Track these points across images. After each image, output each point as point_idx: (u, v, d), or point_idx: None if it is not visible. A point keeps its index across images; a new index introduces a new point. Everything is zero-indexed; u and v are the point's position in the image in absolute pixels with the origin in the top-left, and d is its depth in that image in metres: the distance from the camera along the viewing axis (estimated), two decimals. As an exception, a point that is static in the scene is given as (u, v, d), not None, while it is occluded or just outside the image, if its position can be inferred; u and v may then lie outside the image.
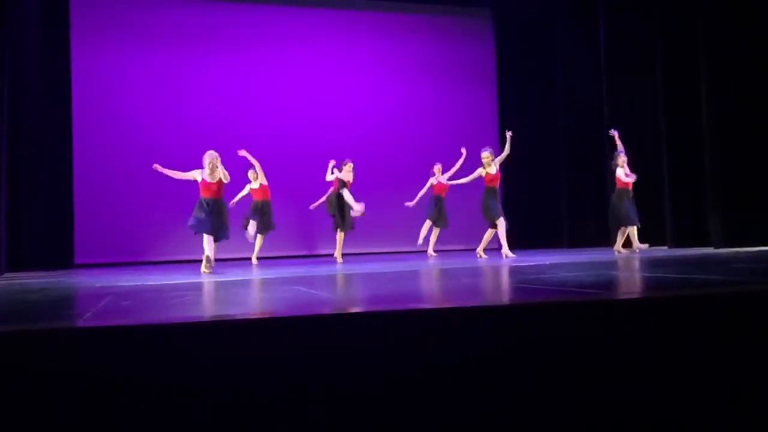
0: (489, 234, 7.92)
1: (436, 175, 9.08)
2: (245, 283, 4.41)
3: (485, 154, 7.84)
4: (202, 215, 6.39)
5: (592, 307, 2.29)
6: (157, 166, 6.64)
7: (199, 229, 6.43)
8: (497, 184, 7.95)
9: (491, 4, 11.77)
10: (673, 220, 8.29)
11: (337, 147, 10.81)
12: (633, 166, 8.04)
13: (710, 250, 7.03)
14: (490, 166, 7.81)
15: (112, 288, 4.25)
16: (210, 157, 6.49)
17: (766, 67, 7.33)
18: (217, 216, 6.41)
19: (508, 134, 8.02)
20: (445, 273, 4.85)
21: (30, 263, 8.46)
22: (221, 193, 6.54)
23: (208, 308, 2.84)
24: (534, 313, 2.22)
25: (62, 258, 9.05)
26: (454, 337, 2.05)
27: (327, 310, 2.49)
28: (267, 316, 2.24)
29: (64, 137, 9.44)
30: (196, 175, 6.56)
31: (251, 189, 8.57)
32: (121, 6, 10.35)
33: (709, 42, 7.61)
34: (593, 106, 10.25)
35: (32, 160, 8.84)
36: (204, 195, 6.47)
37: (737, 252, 6.33)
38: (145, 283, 4.66)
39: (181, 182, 8.83)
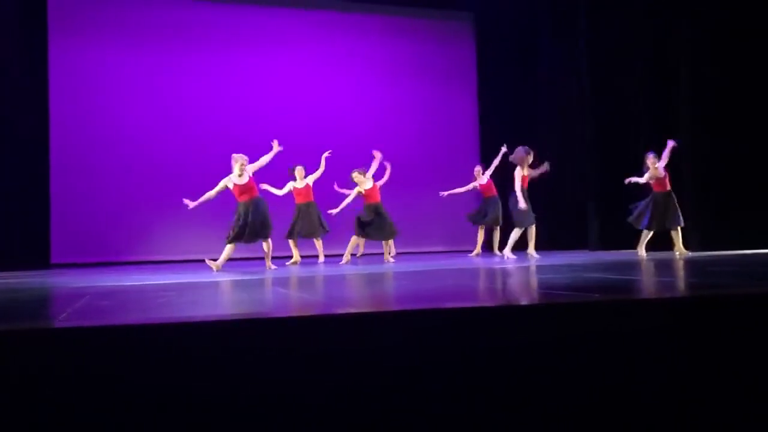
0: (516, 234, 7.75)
1: (478, 178, 8.93)
2: (227, 284, 4.38)
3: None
4: (241, 222, 6.43)
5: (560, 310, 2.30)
6: (188, 201, 6.47)
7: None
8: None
9: (473, 8, 11.83)
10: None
11: (317, 148, 10.77)
12: (619, 170, 8.20)
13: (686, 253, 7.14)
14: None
15: (89, 288, 4.18)
16: (242, 159, 6.53)
17: (746, 68, 7.46)
18: (253, 217, 6.46)
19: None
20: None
21: (5, 263, 8.31)
22: (255, 191, 6.60)
23: (189, 309, 2.81)
24: (519, 315, 2.22)
25: (38, 257, 8.92)
26: (432, 338, 2.05)
27: (308, 312, 2.48)
28: (245, 317, 2.22)
29: (41, 134, 9.32)
30: (227, 183, 6.55)
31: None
32: (100, 3, 10.24)
33: (692, 51, 7.73)
34: (575, 109, 10.32)
35: (8, 157, 8.70)
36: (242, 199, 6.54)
37: (712, 256, 6.43)
38: (124, 284, 4.60)
39: (161, 181, 8.72)
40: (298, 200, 8.18)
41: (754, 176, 7.50)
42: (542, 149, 11.06)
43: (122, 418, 1.78)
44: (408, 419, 1.94)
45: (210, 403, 1.83)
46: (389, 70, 11.59)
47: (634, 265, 5.13)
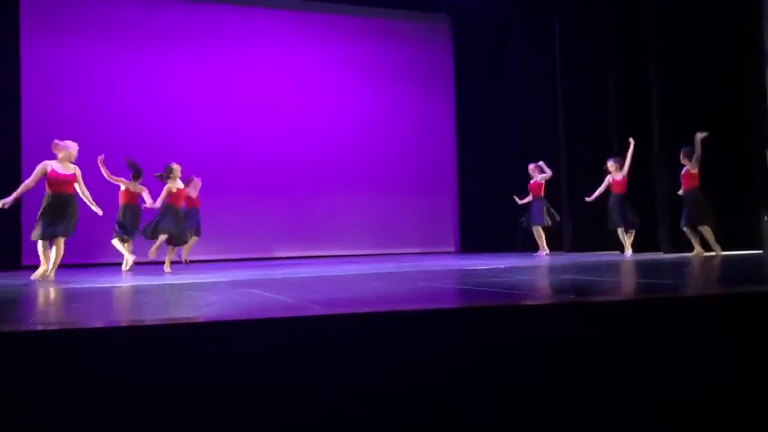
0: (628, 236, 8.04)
1: (613, 172, 8.20)
2: (201, 286, 4.36)
3: (611, 163, 8.07)
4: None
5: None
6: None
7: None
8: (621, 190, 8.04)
9: (450, 11, 11.90)
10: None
11: (291, 149, 10.77)
12: (584, 168, 8.35)
13: (660, 255, 7.29)
14: (617, 173, 8.03)
15: (61, 290, 4.13)
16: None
17: (711, 65, 7.67)
18: None
19: (631, 142, 7.99)
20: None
21: (-26, 265, 8.19)
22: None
23: (163, 311, 2.80)
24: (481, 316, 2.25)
25: (9, 259, 8.78)
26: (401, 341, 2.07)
27: (284, 314, 2.48)
28: (220, 319, 2.22)
29: (13, 133, 9.19)
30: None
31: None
32: (71, 2, 10.10)
33: (658, 53, 7.88)
34: (547, 109, 10.43)
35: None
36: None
37: (683, 257, 6.59)
38: (96, 286, 4.56)
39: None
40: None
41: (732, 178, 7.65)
42: (517, 151, 11.20)
43: (91, 421, 1.77)
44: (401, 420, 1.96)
45: (184, 407, 1.83)
46: (367, 72, 11.59)
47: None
